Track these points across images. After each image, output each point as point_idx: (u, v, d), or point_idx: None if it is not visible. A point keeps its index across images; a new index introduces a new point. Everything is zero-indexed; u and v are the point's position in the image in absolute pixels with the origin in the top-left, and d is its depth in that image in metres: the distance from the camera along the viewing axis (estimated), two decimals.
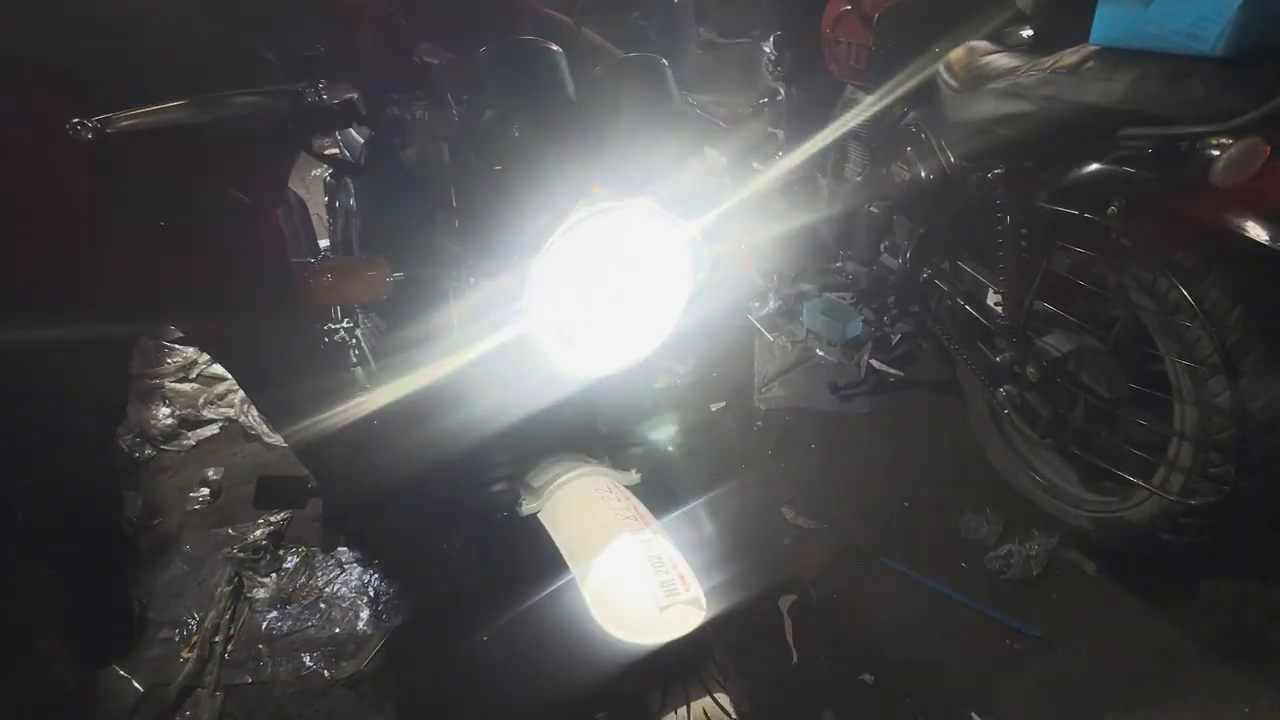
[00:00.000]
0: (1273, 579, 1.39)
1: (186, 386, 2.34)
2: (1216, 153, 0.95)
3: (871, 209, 1.71)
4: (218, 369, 2.39)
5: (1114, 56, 1.09)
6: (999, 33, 1.51)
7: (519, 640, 0.78)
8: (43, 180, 0.69)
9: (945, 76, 1.48)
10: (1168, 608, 1.37)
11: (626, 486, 0.88)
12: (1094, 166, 1.16)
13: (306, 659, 1.49)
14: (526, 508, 0.85)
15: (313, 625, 1.57)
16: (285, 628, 1.56)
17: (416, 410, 0.82)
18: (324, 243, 1.86)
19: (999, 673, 1.32)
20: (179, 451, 2.10)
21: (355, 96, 0.69)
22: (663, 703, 0.67)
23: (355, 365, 1.30)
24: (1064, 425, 1.36)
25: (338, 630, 1.55)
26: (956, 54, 1.48)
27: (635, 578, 0.72)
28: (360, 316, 1.06)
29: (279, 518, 1.84)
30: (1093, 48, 1.12)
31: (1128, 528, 1.33)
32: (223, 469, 2.02)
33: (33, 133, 0.65)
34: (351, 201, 1.10)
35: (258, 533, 1.79)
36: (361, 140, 0.92)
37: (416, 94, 0.71)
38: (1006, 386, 1.43)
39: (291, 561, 1.72)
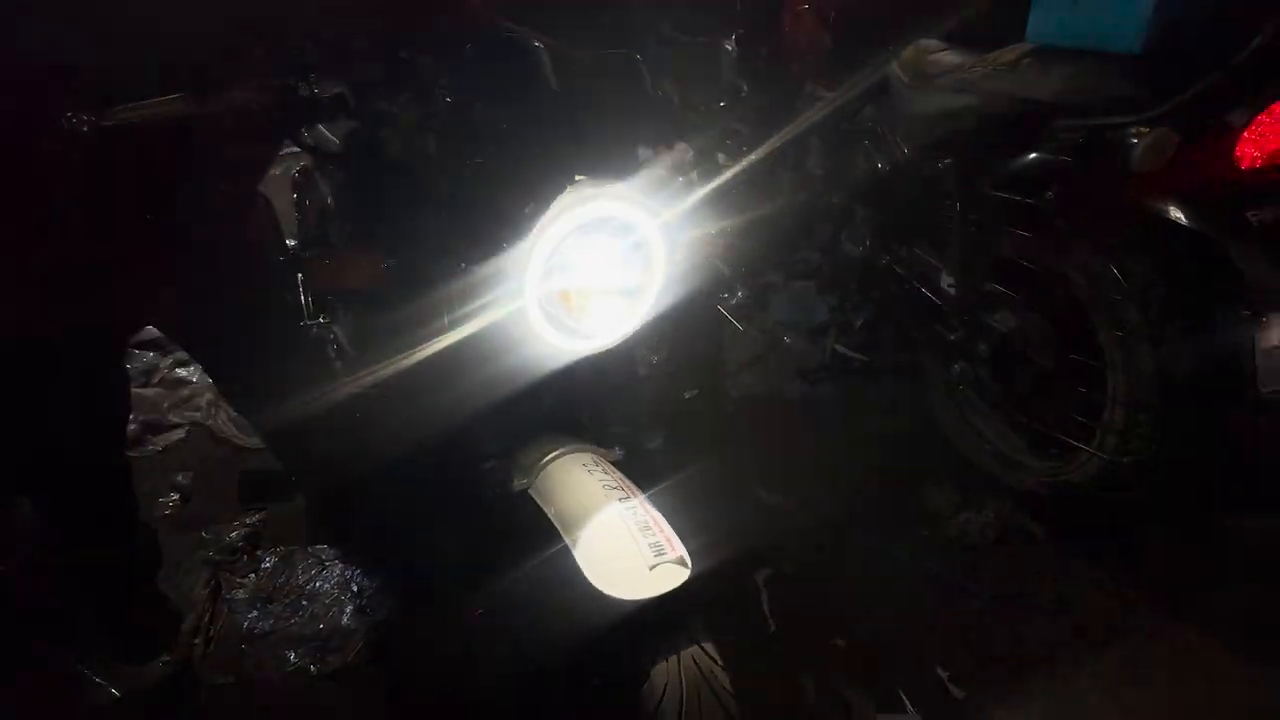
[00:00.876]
0: (1202, 539, 1.52)
1: (149, 391, 2.29)
2: (1135, 141, 1.05)
3: (832, 200, 1.79)
4: (181, 372, 2.34)
5: (1046, 54, 1.18)
6: (948, 31, 1.61)
7: (514, 609, 0.82)
8: (37, 174, 0.70)
9: (898, 73, 1.57)
10: (1109, 566, 1.49)
11: (611, 462, 0.93)
12: (1032, 156, 1.26)
13: (291, 655, 1.49)
14: (518, 484, 0.89)
15: (296, 622, 1.57)
16: (267, 626, 1.56)
17: (409, 394, 0.86)
18: (290, 241, 1.85)
19: (959, 631, 1.42)
20: (144, 457, 2.05)
21: (344, 90, 0.71)
22: (655, 653, 0.73)
23: (335, 359, 1.32)
24: (1012, 397, 1.47)
25: (321, 626, 1.55)
26: (908, 52, 1.57)
27: (625, 540, 0.77)
28: (340, 310, 1.08)
29: (255, 518, 1.82)
30: (1029, 46, 1.21)
31: (1071, 489, 1.44)
32: (192, 473, 1.98)
33: (29, 127, 0.66)
34: (329, 197, 1.12)
35: (234, 534, 1.78)
36: (335, 136, 0.94)
37: (403, 88, 0.74)
38: (960, 363, 1.53)
39: (270, 561, 1.72)
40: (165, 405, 2.22)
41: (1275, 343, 1.01)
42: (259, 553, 1.75)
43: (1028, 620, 1.42)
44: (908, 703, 1.32)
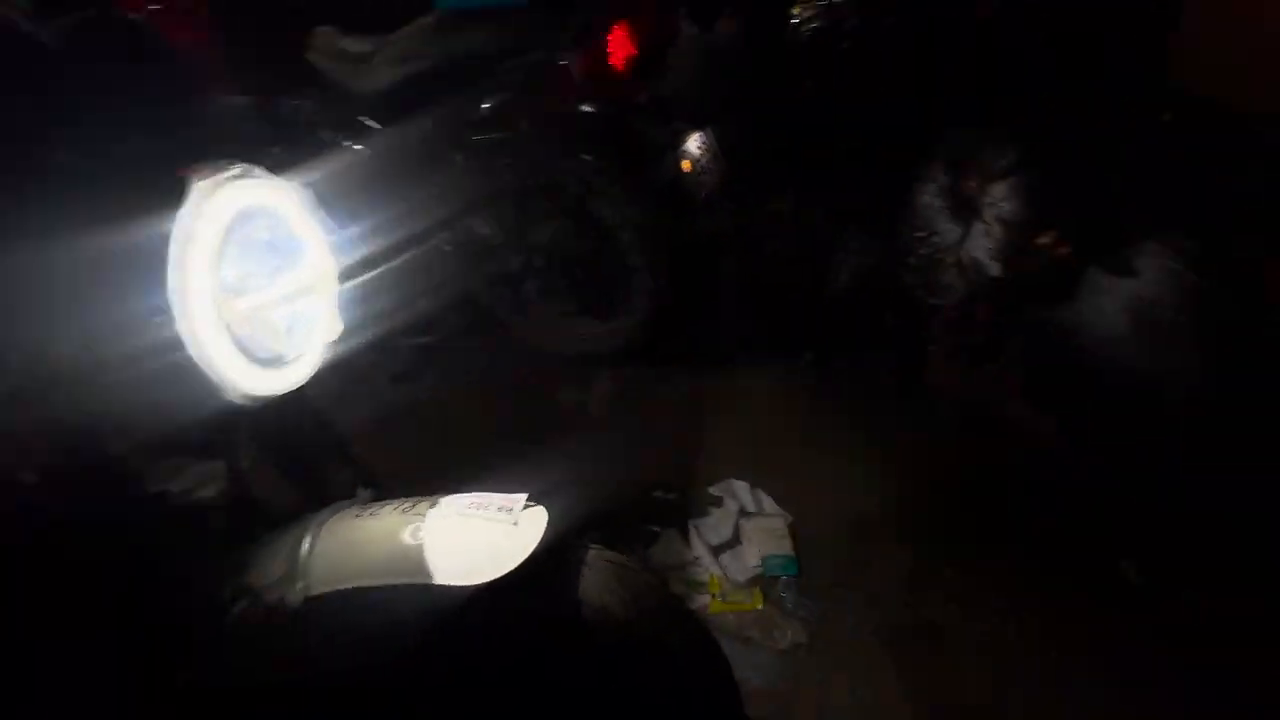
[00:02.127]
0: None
1: None
2: (544, 69, 1.42)
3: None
4: None
5: (457, 16, 1.43)
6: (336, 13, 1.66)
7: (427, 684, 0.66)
8: None
9: (323, 59, 1.56)
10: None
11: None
12: (486, 102, 1.51)
13: None
14: (291, 599, 0.66)
15: None
16: None
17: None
18: None
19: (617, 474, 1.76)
20: None
21: None
22: (577, 578, 0.73)
23: None
24: (571, 291, 1.82)
25: None
26: (320, 40, 1.58)
27: (471, 528, 0.70)
28: None
29: None
30: (439, 12, 1.43)
31: (615, 341, 1.91)
32: None
33: None
34: None
35: None
36: None
37: None
38: (526, 283, 1.78)
39: None
40: None
41: (688, 168, 1.60)
42: None
43: (657, 452, 1.82)
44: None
